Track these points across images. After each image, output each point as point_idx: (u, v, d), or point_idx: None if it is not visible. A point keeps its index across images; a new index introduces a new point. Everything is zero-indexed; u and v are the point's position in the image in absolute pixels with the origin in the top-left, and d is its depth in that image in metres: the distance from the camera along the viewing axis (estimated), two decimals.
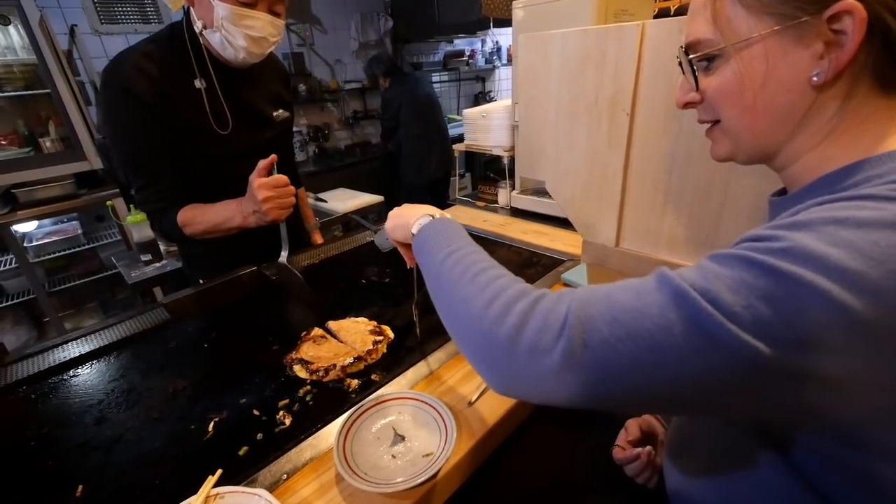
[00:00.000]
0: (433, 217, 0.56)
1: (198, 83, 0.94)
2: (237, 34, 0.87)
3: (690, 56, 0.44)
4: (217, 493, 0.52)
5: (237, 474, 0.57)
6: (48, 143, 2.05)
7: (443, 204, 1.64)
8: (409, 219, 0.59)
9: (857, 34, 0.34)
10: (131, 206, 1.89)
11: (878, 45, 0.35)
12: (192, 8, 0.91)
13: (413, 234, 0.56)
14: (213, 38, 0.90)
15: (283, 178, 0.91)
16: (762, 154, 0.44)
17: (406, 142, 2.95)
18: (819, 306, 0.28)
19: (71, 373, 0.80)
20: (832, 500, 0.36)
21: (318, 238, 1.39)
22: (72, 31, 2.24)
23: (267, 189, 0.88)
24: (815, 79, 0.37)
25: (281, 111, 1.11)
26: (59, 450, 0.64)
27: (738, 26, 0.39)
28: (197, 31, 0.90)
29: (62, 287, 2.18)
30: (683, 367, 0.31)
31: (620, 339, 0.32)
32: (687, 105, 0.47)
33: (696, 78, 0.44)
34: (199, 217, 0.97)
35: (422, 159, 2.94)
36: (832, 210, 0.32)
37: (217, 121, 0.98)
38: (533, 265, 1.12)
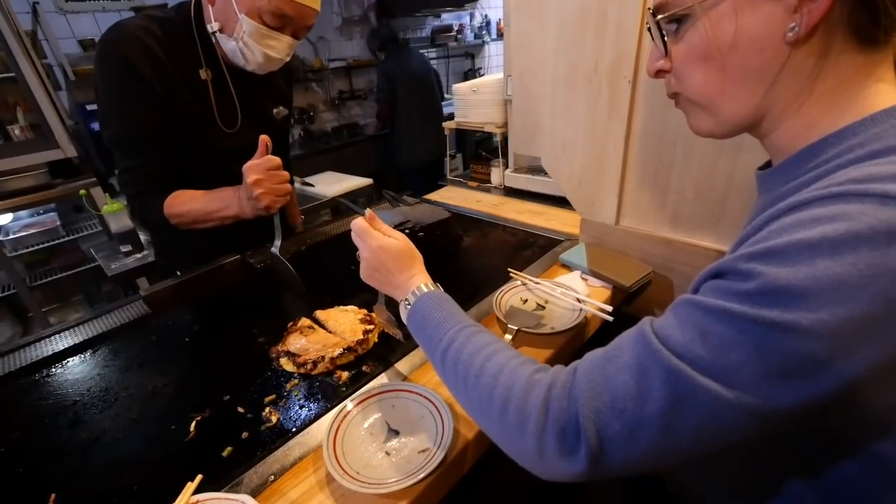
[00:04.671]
0: (417, 293, 0.56)
1: (203, 74, 0.90)
2: (256, 51, 0.85)
3: (658, 18, 0.41)
4: (197, 501, 0.48)
5: (221, 477, 0.53)
6: (17, 131, 1.95)
7: (435, 185, 1.58)
8: (395, 285, 0.59)
9: None
10: (107, 194, 1.81)
11: None
12: (207, 5, 0.86)
13: (407, 310, 0.57)
14: (227, 45, 0.87)
15: (275, 159, 0.84)
16: (743, 122, 0.42)
17: (401, 122, 2.84)
18: (806, 346, 0.28)
19: (44, 372, 0.75)
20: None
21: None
22: (34, 10, 2.10)
23: (256, 172, 0.82)
24: (789, 34, 0.35)
25: (280, 108, 1.07)
26: (30, 456, 0.60)
27: None
28: (210, 30, 0.86)
29: (44, 281, 2.11)
30: (697, 436, 0.32)
31: (632, 429, 0.33)
32: (658, 73, 0.45)
33: (664, 42, 0.42)
34: (190, 203, 0.90)
35: (417, 140, 2.84)
36: (802, 228, 0.30)
37: (224, 117, 0.93)
38: (529, 246, 1.07)
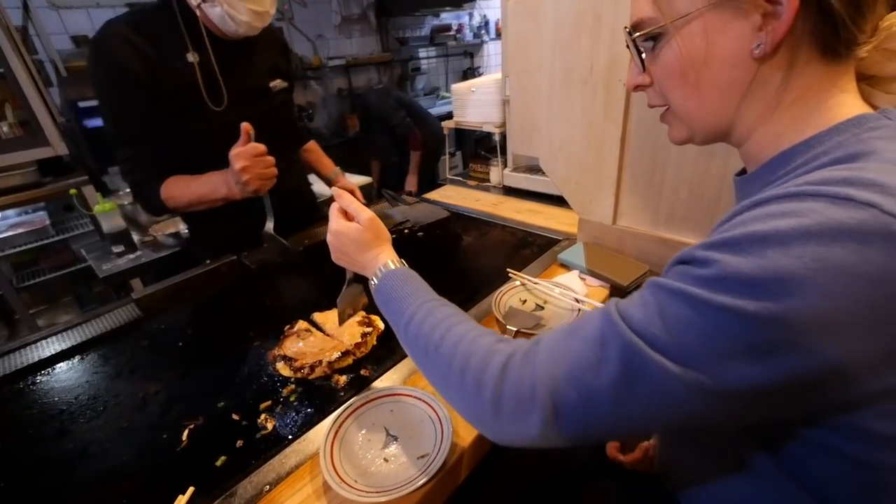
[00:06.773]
0: (383, 271, 0.56)
1: (190, 57, 0.92)
2: (240, 8, 0.87)
3: (634, 36, 0.43)
4: None
5: (214, 488, 0.52)
6: (6, 128, 1.91)
7: (433, 185, 1.58)
8: (361, 265, 0.60)
9: (792, 3, 0.34)
10: (99, 193, 1.79)
11: (814, 12, 0.35)
12: None
13: (373, 287, 0.57)
14: (213, 12, 0.89)
15: (260, 146, 0.88)
16: (717, 133, 0.45)
17: (429, 138, 2.69)
18: (751, 331, 0.30)
19: (29, 380, 0.73)
20: (827, 494, 0.37)
21: (342, 181, 1.28)
22: (25, 6, 2.06)
23: (243, 158, 0.87)
24: (756, 51, 0.37)
25: (278, 81, 1.09)
26: (13, 468, 0.58)
27: (677, 3, 0.39)
28: (193, 4, 0.89)
29: (32, 282, 2.06)
30: (647, 409, 0.34)
31: (586, 397, 0.35)
32: (637, 88, 0.47)
33: (642, 59, 0.44)
34: (183, 188, 0.96)
35: (440, 150, 2.79)
36: (758, 222, 0.32)
37: (211, 96, 0.96)
38: (528, 246, 1.07)
